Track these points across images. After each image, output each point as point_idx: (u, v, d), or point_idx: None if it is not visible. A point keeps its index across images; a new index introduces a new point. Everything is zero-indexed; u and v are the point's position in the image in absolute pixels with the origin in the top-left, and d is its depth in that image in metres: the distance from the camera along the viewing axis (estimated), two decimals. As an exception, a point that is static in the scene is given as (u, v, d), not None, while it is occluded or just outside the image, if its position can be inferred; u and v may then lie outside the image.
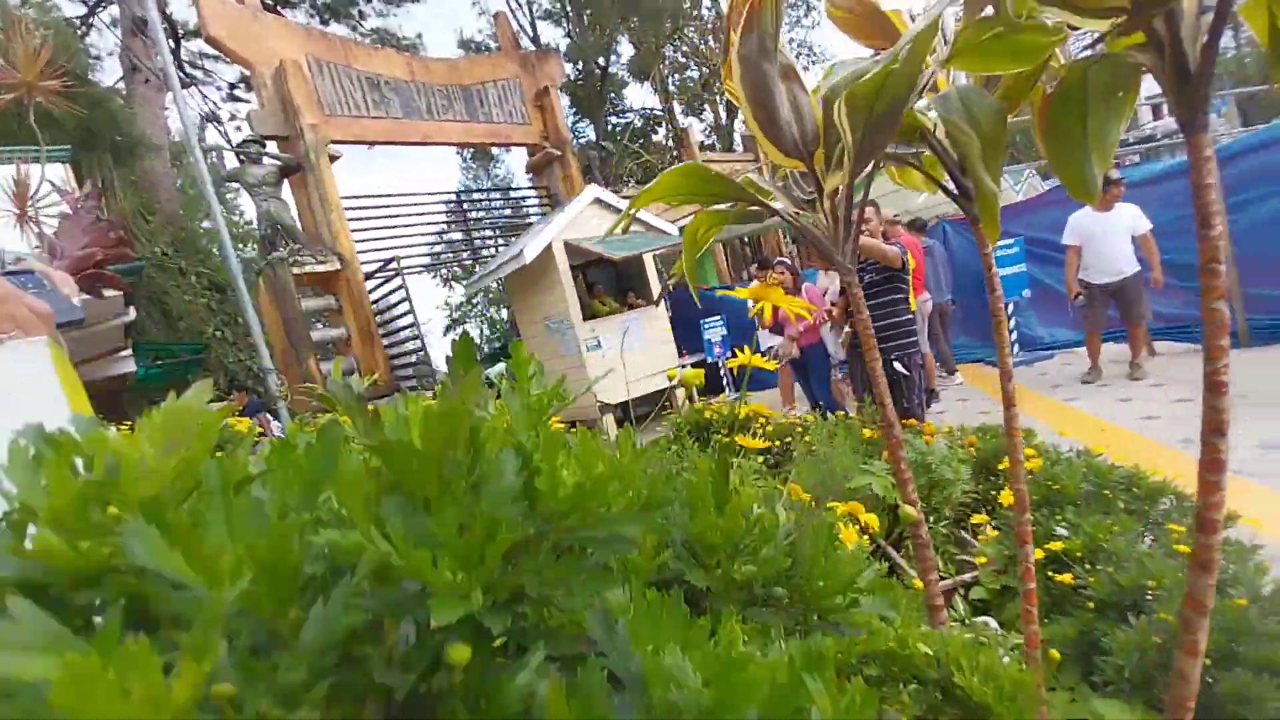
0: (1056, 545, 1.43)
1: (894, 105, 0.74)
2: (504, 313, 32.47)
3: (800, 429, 3.08)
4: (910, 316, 3.15)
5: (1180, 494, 1.65)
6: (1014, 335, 5.99)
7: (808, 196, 0.93)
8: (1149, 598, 1.28)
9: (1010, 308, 5.85)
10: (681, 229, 9.31)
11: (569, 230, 7.91)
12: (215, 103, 18.33)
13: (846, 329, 3.49)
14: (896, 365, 3.09)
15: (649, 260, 8.56)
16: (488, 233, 12.63)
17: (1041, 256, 5.85)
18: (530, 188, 13.71)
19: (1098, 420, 3.98)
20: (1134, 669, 1.19)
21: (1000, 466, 1.90)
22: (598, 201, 8.27)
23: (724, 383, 8.28)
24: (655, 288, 8.58)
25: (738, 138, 21.48)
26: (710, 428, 3.65)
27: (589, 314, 8.05)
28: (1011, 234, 5.84)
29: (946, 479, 1.92)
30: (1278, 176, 4.46)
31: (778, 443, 3.16)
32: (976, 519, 1.77)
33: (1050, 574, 1.42)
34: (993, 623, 1.49)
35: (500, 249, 11.08)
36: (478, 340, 33.93)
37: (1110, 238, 4.68)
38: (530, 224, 11.92)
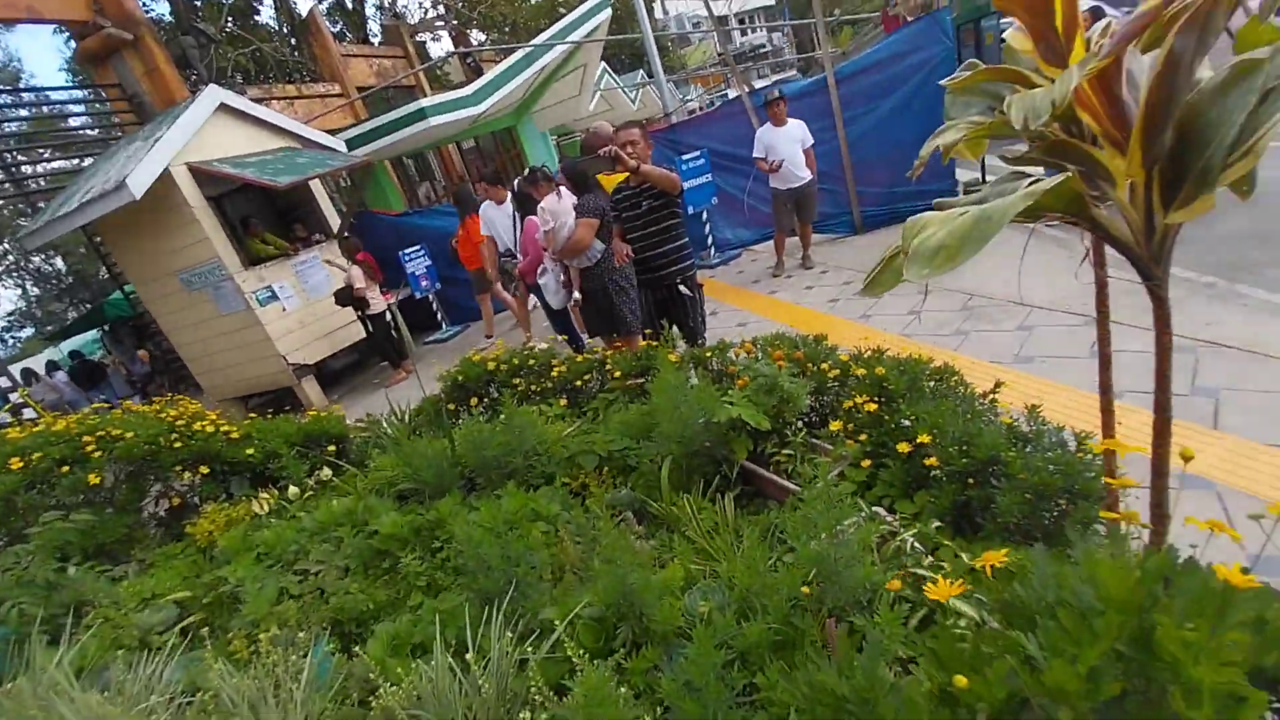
0: (924, 437, 1.72)
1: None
2: (59, 263, 23.44)
3: (604, 364, 3.02)
4: (687, 240, 3.26)
5: (950, 369, 2.12)
6: (709, 239, 6.83)
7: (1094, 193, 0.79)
8: (999, 464, 1.63)
9: (704, 214, 6.61)
10: (348, 141, 7.84)
11: (192, 150, 5.95)
12: None
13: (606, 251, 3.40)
14: (682, 289, 3.21)
15: (318, 186, 7.05)
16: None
17: (722, 166, 6.64)
18: (82, 86, 9.75)
19: (798, 308, 4.88)
20: (1014, 520, 1.52)
21: (830, 373, 2.17)
22: (226, 109, 6.35)
23: (438, 318, 7.61)
24: (333, 218, 7.19)
25: (373, 26, 18.69)
26: (493, 379, 3.33)
27: (250, 258, 6.37)
28: (695, 146, 6.47)
29: (795, 394, 2.10)
30: (873, 95, 5.82)
31: (579, 382, 3.06)
32: (834, 425, 2.00)
33: (922, 461, 1.71)
34: (884, 513, 1.73)
35: (44, 176, 7.77)
36: (20, 305, 24.20)
37: (787, 149, 5.53)
38: (92, 139, 8.61)
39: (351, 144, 8.26)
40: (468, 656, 1.44)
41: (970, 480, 1.67)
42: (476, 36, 20.93)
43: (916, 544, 1.55)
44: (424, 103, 8.50)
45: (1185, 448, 0.96)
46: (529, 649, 1.48)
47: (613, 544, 1.69)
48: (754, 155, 5.68)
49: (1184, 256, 4.01)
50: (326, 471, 3.07)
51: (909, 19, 7.17)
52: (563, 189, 4.44)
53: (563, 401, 2.99)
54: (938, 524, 1.64)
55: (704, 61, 28.20)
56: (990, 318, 3.63)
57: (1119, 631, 0.48)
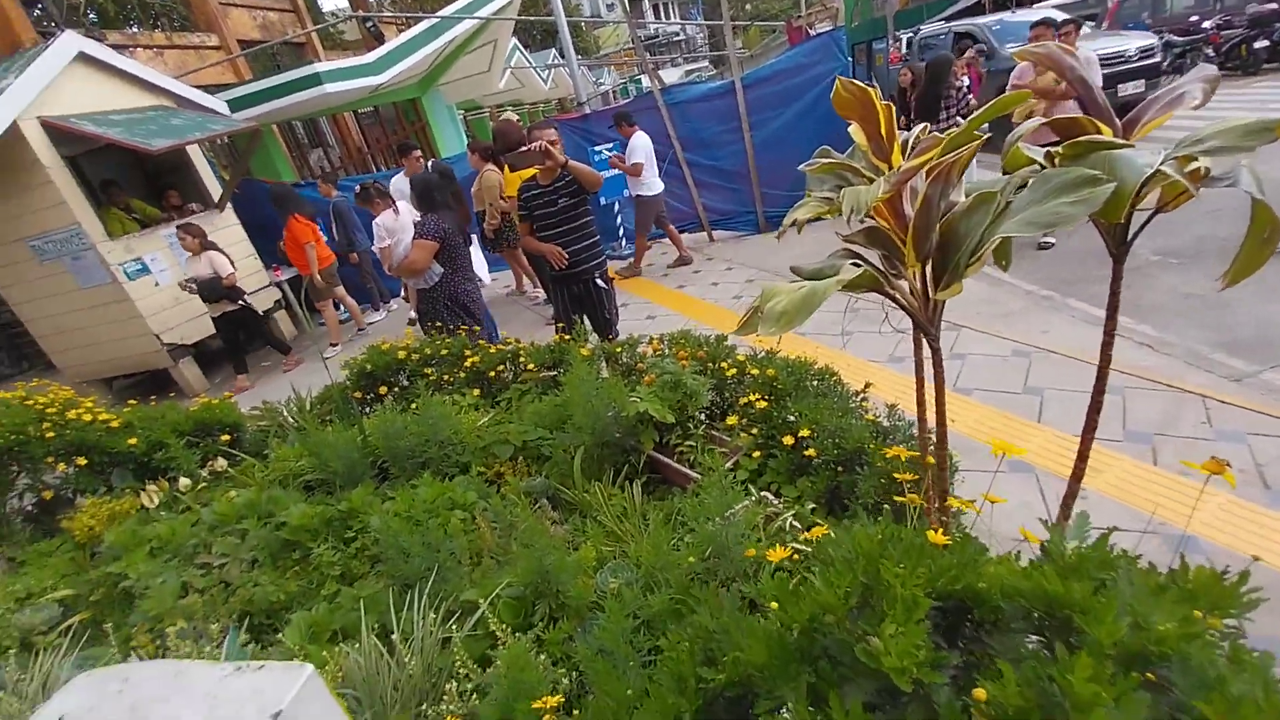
0: (805, 431, 1.98)
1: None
2: None
3: (518, 356, 3.11)
4: (598, 234, 3.37)
5: (831, 370, 2.42)
6: (620, 230, 6.96)
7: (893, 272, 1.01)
8: (864, 454, 1.93)
9: (615, 205, 6.73)
10: (230, 103, 7.30)
11: (46, 104, 5.30)
12: None
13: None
14: (600, 282, 3.33)
15: (196, 150, 6.48)
16: None
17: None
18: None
19: (704, 303, 5.15)
20: (873, 500, 1.81)
21: (729, 372, 2.40)
22: (85, 58, 5.69)
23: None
24: (213, 185, 6.63)
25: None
26: (403, 368, 3.33)
27: (116, 227, 5.78)
28: (609, 138, 6.56)
29: (697, 391, 2.32)
30: (776, 103, 6.17)
31: (492, 373, 3.13)
32: (731, 420, 2.24)
33: (804, 452, 1.98)
34: (771, 497, 1.99)
35: None
36: None
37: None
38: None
39: (234, 105, 7.60)
40: (393, 637, 1.54)
41: (840, 468, 1.95)
42: (376, -6, 19.67)
43: (795, 523, 1.81)
44: (319, 67, 7.96)
45: (1002, 442, 1.24)
46: (453, 628, 1.59)
47: (530, 529, 1.83)
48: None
49: (1031, 274, 4.63)
50: (221, 462, 2.96)
51: (810, 33, 7.62)
52: (401, 205, 4.60)
53: (476, 392, 3.05)
54: (813, 506, 1.91)
55: (618, 44, 28.01)
56: (872, 319, 4.04)
57: (863, 570, 0.80)
